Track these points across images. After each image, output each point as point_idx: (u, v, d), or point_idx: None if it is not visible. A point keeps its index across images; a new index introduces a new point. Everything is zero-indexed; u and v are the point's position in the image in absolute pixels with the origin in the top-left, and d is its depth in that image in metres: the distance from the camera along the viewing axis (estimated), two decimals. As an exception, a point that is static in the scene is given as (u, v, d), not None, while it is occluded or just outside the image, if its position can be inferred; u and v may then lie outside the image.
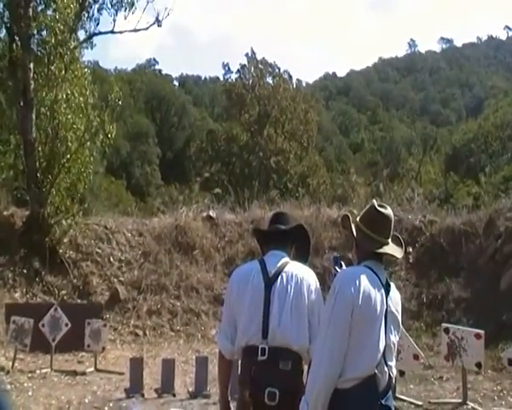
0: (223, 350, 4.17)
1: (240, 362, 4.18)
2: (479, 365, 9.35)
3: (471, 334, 9.45)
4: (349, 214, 3.83)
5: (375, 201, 3.77)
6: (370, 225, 3.65)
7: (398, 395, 8.97)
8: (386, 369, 3.45)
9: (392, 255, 3.73)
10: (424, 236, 16.30)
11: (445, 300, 14.42)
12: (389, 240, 3.67)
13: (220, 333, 4.29)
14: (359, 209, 17.14)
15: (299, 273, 4.15)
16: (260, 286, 4.06)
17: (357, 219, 3.74)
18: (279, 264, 4.14)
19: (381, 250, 3.61)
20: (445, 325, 10.32)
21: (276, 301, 4.02)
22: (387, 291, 3.53)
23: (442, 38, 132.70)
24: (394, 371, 3.55)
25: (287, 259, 4.20)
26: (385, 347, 3.44)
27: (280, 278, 4.08)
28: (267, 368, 3.97)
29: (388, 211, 3.69)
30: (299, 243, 4.41)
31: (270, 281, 4.07)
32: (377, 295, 3.46)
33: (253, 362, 3.99)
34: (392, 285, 3.63)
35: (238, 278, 4.24)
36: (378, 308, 3.44)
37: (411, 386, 10.17)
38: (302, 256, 4.41)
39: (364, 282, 3.45)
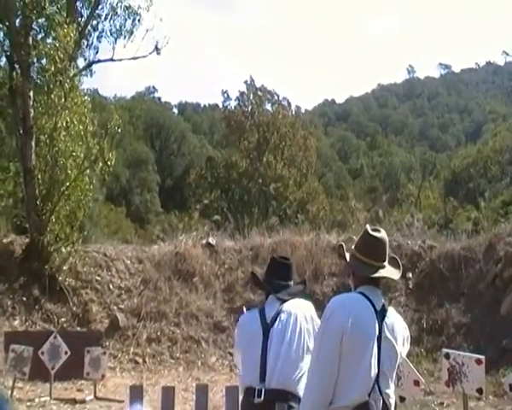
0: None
1: (240, 403, 4.31)
2: (480, 390, 9.26)
3: (472, 359, 9.38)
4: (343, 244, 3.87)
5: (368, 226, 3.79)
6: (365, 250, 3.65)
7: (398, 421, 8.91)
8: (380, 397, 3.43)
9: (389, 278, 3.73)
10: (424, 261, 16.27)
11: (446, 325, 14.37)
12: (385, 263, 3.66)
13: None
14: (359, 235, 17.18)
15: (296, 311, 4.29)
16: (259, 333, 4.22)
17: (353, 246, 3.75)
18: (276, 308, 4.32)
19: (376, 275, 3.60)
20: (445, 350, 10.25)
21: (274, 345, 4.19)
22: (382, 317, 3.52)
23: (440, 64, 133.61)
24: (392, 399, 3.52)
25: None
26: (378, 374, 3.42)
27: (277, 321, 4.24)
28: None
29: (382, 234, 3.69)
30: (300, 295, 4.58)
31: (267, 326, 4.23)
32: (368, 321, 3.45)
33: (250, 404, 4.11)
34: (392, 311, 3.60)
35: (241, 326, 4.56)
36: (369, 334, 3.42)
37: (412, 413, 10.10)
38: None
39: (355, 308, 3.45)
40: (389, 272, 3.68)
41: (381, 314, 3.51)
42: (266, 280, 4.56)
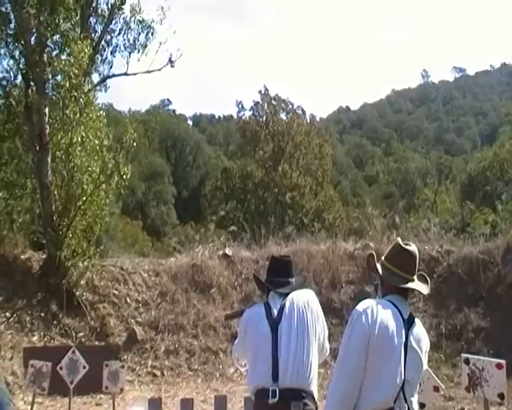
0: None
1: (253, 405, 4.27)
2: (501, 396, 9.12)
3: (492, 364, 9.25)
4: (374, 253, 3.89)
5: (399, 239, 3.83)
6: (395, 261, 3.71)
7: (419, 428, 8.84)
8: (405, 404, 3.43)
9: (418, 291, 3.75)
10: (441, 266, 16.18)
11: (465, 330, 14.28)
12: (414, 277, 3.70)
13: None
14: (376, 242, 17.12)
15: (299, 301, 4.30)
16: (267, 330, 4.20)
17: (383, 257, 3.78)
18: (280, 302, 4.30)
19: (405, 285, 3.65)
20: (464, 355, 10.14)
21: (284, 343, 4.14)
22: (410, 326, 3.52)
23: (455, 68, 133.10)
24: (416, 406, 3.54)
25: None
26: (404, 382, 3.42)
27: (283, 317, 4.22)
28: None
29: (413, 248, 3.77)
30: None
31: (275, 323, 4.20)
32: (396, 327, 3.47)
33: (264, 405, 4.08)
34: (418, 322, 3.67)
35: (247, 321, 4.54)
36: (396, 341, 3.44)
37: (432, 419, 10.01)
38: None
39: (382, 313, 3.47)
40: (418, 285, 3.78)
41: (409, 324, 3.57)
42: (267, 279, 4.58)
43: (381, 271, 3.77)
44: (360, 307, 3.58)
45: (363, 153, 79.65)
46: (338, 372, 3.52)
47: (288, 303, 4.33)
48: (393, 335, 3.45)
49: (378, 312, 3.48)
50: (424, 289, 3.83)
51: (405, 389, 3.46)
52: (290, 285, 4.49)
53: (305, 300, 4.37)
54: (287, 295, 4.38)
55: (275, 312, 4.31)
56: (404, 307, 3.61)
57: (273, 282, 4.51)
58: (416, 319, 3.66)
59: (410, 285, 3.70)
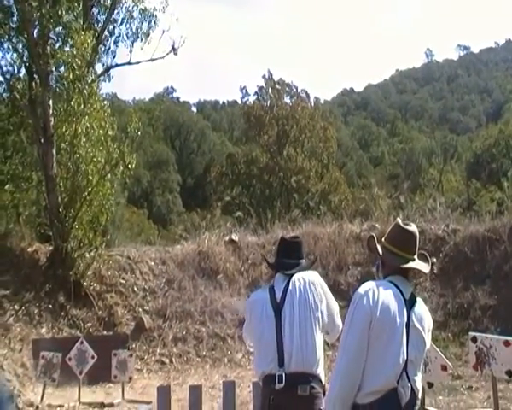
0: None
1: (261, 390, 4.28)
2: (509, 373, 9.15)
3: (500, 341, 9.28)
4: (374, 235, 3.89)
5: (399, 219, 3.84)
6: (395, 242, 3.70)
7: (427, 407, 8.88)
8: (408, 384, 3.44)
9: (419, 270, 3.75)
10: (448, 245, 16.17)
11: (472, 308, 14.29)
12: (415, 256, 3.71)
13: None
14: (382, 223, 17.11)
15: (302, 282, 4.29)
16: (271, 315, 4.20)
17: (383, 238, 3.78)
18: (284, 284, 4.27)
19: (406, 265, 3.66)
20: (472, 333, 10.17)
21: (287, 327, 4.14)
22: (411, 306, 3.54)
23: (459, 46, 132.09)
24: (419, 385, 3.54)
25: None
26: (406, 361, 3.44)
27: (286, 300, 4.20)
28: (285, 396, 4.07)
29: (413, 228, 3.76)
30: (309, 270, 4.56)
31: (278, 307, 4.20)
32: (397, 308, 3.48)
33: (271, 390, 4.09)
34: (420, 302, 3.64)
35: (252, 306, 4.54)
36: (398, 321, 3.45)
37: (440, 397, 10.07)
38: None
39: (383, 294, 3.48)
40: (419, 264, 3.74)
41: (410, 303, 3.55)
42: (277, 261, 4.58)
43: (381, 252, 3.78)
44: (361, 289, 3.59)
45: (368, 134, 79.34)
46: (341, 354, 3.54)
47: (290, 286, 4.31)
48: (395, 315, 3.46)
49: (379, 293, 3.49)
50: (425, 267, 3.82)
51: (408, 369, 3.46)
52: (299, 266, 4.47)
53: (307, 280, 4.35)
54: (291, 277, 4.37)
55: (278, 295, 4.31)
56: (405, 287, 3.61)
57: (282, 263, 4.51)
58: (418, 299, 3.66)
59: (410, 265, 3.70)
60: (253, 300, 4.59)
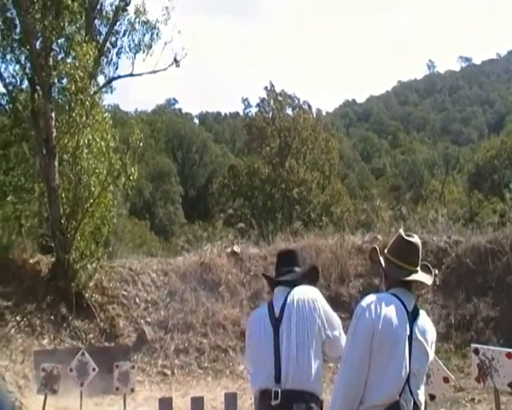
0: (251, 386, 4.45)
1: (257, 406, 4.26)
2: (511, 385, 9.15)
3: (502, 353, 9.22)
4: (377, 247, 3.90)
5: (401, 230, 3.84)
6: (398, 254, 3.71)
7: (429, 420, 8.83)
8: (411, 397, 3.44)
9: (422, 282, 3.75)
10: (450, 257, 16.15)
11: (474, 320, 14.26)
12: (418, 268, 3.71)
13: (249, 373, 4.57)
14: (384, 234, 17.11)
15: (301, 297, 4.25)
16: (269, 331, 4.19)
17: (386, 250, 3.79)
18: (283, 299, 4.25)
19: (409, 278, 3.65)
20: (474, 345, 10.13)
21: (285, 343, 4.11)
22: (414, 319, 3.53)
23: (460, 57, 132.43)
24: (422, 398, 3.54)
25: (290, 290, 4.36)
26: (409, 374, 3.43)
27: (284, 316, 4.18)
28: None
29: (415, 239, 3.76)
30: (310, 281, 4.52)
31: (277, 322, 4.18)
32: (399, 321, 3.48)
33: (266, 406, 4.05)
34: (423, 314, 3.66)
35: (251, 323, 4.53)
36: (400, 334, 3.45)
37: (443, 410, 10.03)
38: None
39: (386, 307, 3.48)
40: (422, 276, 3.76)
41: (413, 316, 3.57)
42: (275, 272, 4.58)
43: (384, 264, 3.78)
44: (364, 302, 3.60)
45: (370, 146, 79.47)
46: (343, 367, 3.55)
47: (288, 300, 4.26)
48: (397, 328, 3.47)
49: (382, 306, 3.49)
50: (427, 279, 3.82)
51: (411, 382, 3.47)
52: (293, 273, 4.43)
53: (306, 296, 4.30)
54: (289, 292, 4.34)
55: (277, 311, 4.27)
56: (408, 299, 3.61)
57: (278, 272, 4.51)
58: (421, 311, 3.66)
59: (413, 277, 3.70)
60: (252, 318, 4.58)
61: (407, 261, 3.68)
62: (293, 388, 4.04)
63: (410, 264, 3.68)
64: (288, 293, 4.31)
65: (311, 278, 4.57)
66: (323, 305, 4.30)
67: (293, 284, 4.38)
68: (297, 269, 4.50)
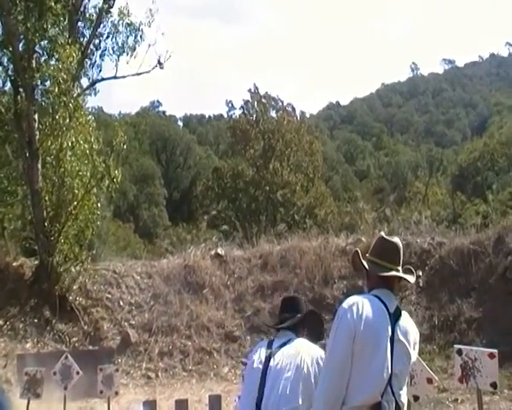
0: None
1: None
2: (494, 385, 9.15)
3: (484, 354, 9.27)
4: (358, 250, 3.90)
5: (382, 232, 3.85)
6: (379, 253, 3.73)
7: (413, 420, 8.87)
8: (393, 398, 3.44)
9: (404, 280, 3.77)
10: (433, 258, 16.23)
11: (457, 321, 14.35)
12: (399, 268, 3.72)
13: None
14: (367, 236, 17.16)
15: (296, 351, 4.25)
16: (261, 362, 4.24)
17: (367, 253, 3.80)
18: (281, 343, 4.30)
19: (388, 273, 3.66)
20: (457, 346, 10.17)
21: (272, 375, 4.16)
22: (396, 320, 3.55)
23: (444, 60, 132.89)
24: (404, 399, 3.54)
25: (293, 337, 4.39)
26: (391, 375, 3.44)
27: (279, 354, 4.21)
28: None
29: (396, 239, 3.79)
30: (310, 326, 4.53)
31: (270, 355, 4.23)
32: (381, 322, 3.48)
33: None
34: (405, 315, 3.65)
35: (249, 358, 4.55)
36: (381, 336, 3.45)
37: (426, 411, 10.07)
38: (314, 337, 4.53)
39: (367, 309, 3.48)
40: (403, 274, 3.74)
41: (395, 317, 3.56)
42: (278, 317, 4.69)
43: (366, 265, 3.79)
44: (345, 303, 3.60)
45: (354, 148, 79.52)
46: (325, 370, 3.55)
47: (287, 346, 4.31)
48: (379, 329, 3.47)
49: (363, 308, 3.50)
50: (410, 278, 3.84)
51: (393, 383, 3.47)
52: (292, 319, 4.46)
53: (308, 354, 4.22)
54: (291, 340, 4.35)
55: (275, 346, 4.34)
56: (390, 300, 3.61)
57: (279, 318, 4.60)
58: (403, 312, 3.67)
59: (393, 273, 3.70)
60: (251, 355, 4.55)
61: (387, 260, 3.69)
62: None
63: (390, 262, 3.69)
64: (290, 339, 4.37)
65: (312, 323, 4.59)
66: (312, 375, 4.23)
67: (295, 330, 4.44)
68: (297, 316, 4.52)
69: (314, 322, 4.62)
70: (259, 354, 4.33)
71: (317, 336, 4.54)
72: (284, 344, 4.30)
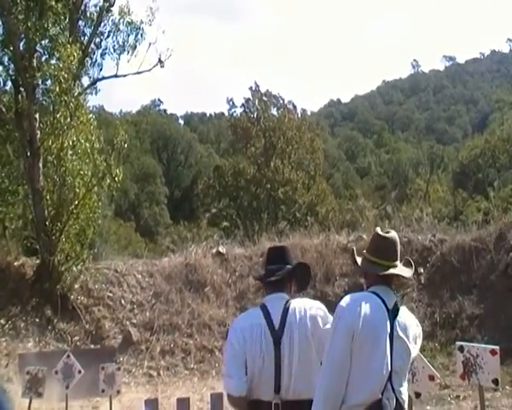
0: (236, 392, 3.94)
1: None
2: (496, 381, 9.15)
3: (486, 350, 9.28)
4: (354, 248, 3.89)
5: (378, 228, 3.83)
6: (375, 251, 3.71)
7: (414, 417, 8.87)
8: (393, 395, 3.44)
9: (401, 276, 3.76)
10: (435, 255, 16.23)
11: (459, 318, 14.35)
12: (397, 262, 3.70)
13: (231, 377, 4.01)
14: (368, 234, 17.12)
15: (302, 312, 4.09)
16: (270, 344, 4.00)
17: (364, 250, 3.79)
18: (281, 310, 4.09)
19: (386, 272, 3.64)
20: (459, 343, 10.19)
21: (286, 356, 3.98)
22: (394, 316, 3.54)
23: (445, 57, 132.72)
24: (405, 395, 3.53)
25: (287, 298, 4.17)
26: (391, 372, 3.44)
27: (285, 332, 4.02)
28: None
29: (391, 234, 3.76)
30: (298, 277, 4.40)
31: (277, 336, 4.01)
32: (380, 319, 3.47)
33: None
34: (404, 310, 3.64)
35: (243, 328, 4.10)
36: (380, 333, 3.45)
37: (428, 407, 10.10)
38: (300, 287, 4.42)
39: (366, 306, 3.48)
40: (400, 270, 3.73)
41: (394, 313, 3.55)
42: (264, 271, 4.43)
43: (361, 263, 3.78)
44: (343, 302, 3.58)
45: (355, 145, 79.47)
46: (324, 367, 3.53)
47: (289, 315, 4.05)
48: (377, 326, 3.46)
49: (361, 305, 3.49)
50: (406, 272, 3.80)
51: (393, 380, 3.46)
52: (283, 270, 4.18)
53: (307, 313, 4.07)
54: (288, 302, 4.11)
55: (276, 323, 4.04)
56: (388, 296, 3.60)
57: (266, 272, 4.28)
58: (402, 308, 3.65)
59: (390, 271, 3.68)
60: (242, 324, 4.15)
61: (384, 257, 3.67)
62: (293, 399, 3.96)
63: (387, 259, 3.66)
64: (287, 303, 4.13)
65: (301, 276, 4.45)
66: (322, 326, 4.12)
67: (282, 284, 4.20)
68: (287, 267, 4.25)
69: (303, 273, 4.44)
70: (263, 333, 4.00)
71: (304, 286, 4.44)
72: (284, 312, 4.04)
